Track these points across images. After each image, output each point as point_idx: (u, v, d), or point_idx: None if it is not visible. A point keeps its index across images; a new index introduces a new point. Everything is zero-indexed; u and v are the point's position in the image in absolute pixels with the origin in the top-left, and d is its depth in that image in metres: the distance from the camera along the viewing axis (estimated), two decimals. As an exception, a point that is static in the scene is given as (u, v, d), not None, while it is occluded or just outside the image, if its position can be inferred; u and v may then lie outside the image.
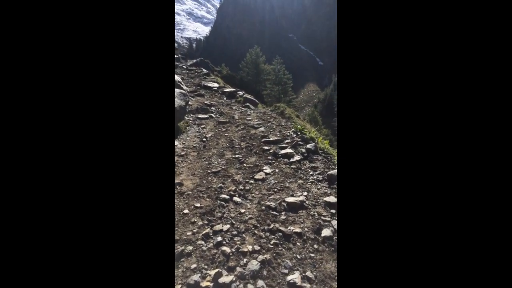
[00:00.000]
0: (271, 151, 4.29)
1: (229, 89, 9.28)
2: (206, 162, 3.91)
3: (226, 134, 5.20)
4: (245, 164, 3.84)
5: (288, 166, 3.78)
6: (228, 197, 2.95)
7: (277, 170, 3.64)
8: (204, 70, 13.20)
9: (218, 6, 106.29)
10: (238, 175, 3.50)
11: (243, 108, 7.45)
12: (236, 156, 4.14)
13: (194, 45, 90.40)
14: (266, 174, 3.51)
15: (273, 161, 3.94)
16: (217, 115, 6.61)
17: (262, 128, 5.57)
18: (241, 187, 3.19)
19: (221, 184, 3.23)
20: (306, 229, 2.47)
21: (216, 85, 9.85)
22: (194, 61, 16.18)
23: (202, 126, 5.84)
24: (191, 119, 6.13)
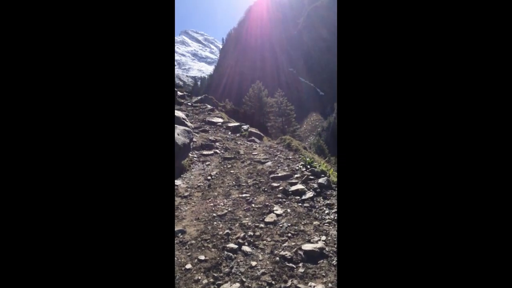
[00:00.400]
0: (281, 188, 3.97)
1: (233, 124, 9.20)
2: (211, 204, 3.58)
3: (232, 171, 4.92)
4: (253, 205, 3.51)
5: (300, 204, 3.44)
6: (236, 246, 2.59)
7: (289, 210, 3.28)
8: (209, 106, 13.35)
9: (221, 47, 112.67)
10: (247, 218, 3.15)
11: (248, 142, 7.25)
12: (244, 195, 3.81)
13: (198, 83, 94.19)
14: (278, 215, 3.16)
15: (284, 200, 3.60)
16: (222, 151, 6.39)
17: (269, 163, 5.29)
18: (250, 232, 2.83)
19: (228, 230, 2.88)
20: (330, 284, 2.07)
21: (220, 120, 9.82)
22: (199, 97, 16.49)
23: (207, 163, 5.59)
24: (195, 156, 5.91)
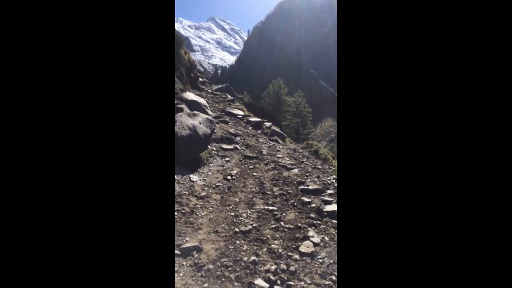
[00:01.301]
0: (313, 205, 3.33)
1: (254, 119, 8.57)
2: (232, 214, 2.98)
3: (254, 173, 4.31)
4: (282, 223, 2.89)
5: (339, 232, 2.80)
6: (267, 285, 1.98)
7: (327, 239, 2.65)
8: (229, 96, 12.73)
9: (246, 39, 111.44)
10: (276, 241, 2.54)
11: (270, 142, 6.61)
12: (270, 208, 3.20)
13: (219, 71, 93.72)
14: (315, 244, 2.53)
15: (319, 222, 2.97)
16: (243, 147, 5.78)
17: (295, 170, 4.65)
18: (282, 265, 2.21)
19: (254, 257, 2.27)
20: None
21: (241, 113, 9.20)
22: (220, 86, 15.93)
23: (226, 158, 4.99)
24: (214, 149, 5.32)
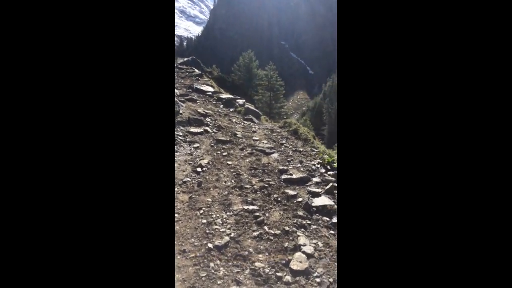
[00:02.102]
0: (300, 199, 2.86)
1: (226, 95, 7.78)
2: (204, 221, 2.40)
3: (228, 162, 3.71)
4: (266, 227, 2.38)
5: (333, 233, 2.36)
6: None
7: (321, 245, 2.20)
8: (196, 71, 11.55)
9: (212, 7, 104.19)
10: (260, 256, 2.03)
11: (245, 122, 5.96)
12: (250, 207, 2.66)
13: (184, 43, 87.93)
14: (308, 256, 2.06)
15: (308, 222, 2.51)
16: (214, 130, 5.09)
17: (275, 155, 4.13)
18: (272, 294, 1.71)
19: (235, 287, 1.74)
20: None
21: (210, 89, 8.32)
22: (185, 59, 14.53)
23: (195, 145, 4.31)
24: (180, 134, 4.57)
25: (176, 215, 2.44)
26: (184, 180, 3.12)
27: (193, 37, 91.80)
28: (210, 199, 2.74)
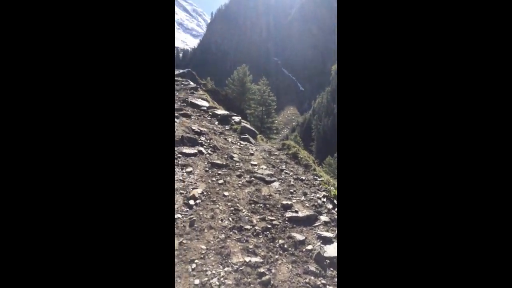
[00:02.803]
0: (310, 247, 2.39)
1: (221, 112, 7.33)
2: (197, 281, 1.88)
3: (225, 193, 3.22)
4: (273, 290, 1.88)
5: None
6: None
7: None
8: (191, 83, 11.12)
9: (209, 22, 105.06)
10: None
11: (241, 142, 5.51)
12: (252, 259, 2.16)
13: (180, 55, 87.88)
14: None
15: (323, 280, 2.03)
16: (209, 151, 4.60)
17: (276, 184, 3.67)
18: None
19: None
20: None
21: (205, 104, 7.86)
22: (181, 71, 14.13)
23: (188, 169, 3.80)
24: (172, 155, 4.07)
25: (162, 270, 1.93)
26: (174, 216, 2.60)
27: (189, 49, 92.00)
28: (204, 246, 2.23)
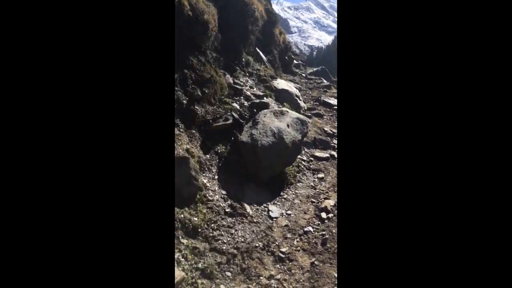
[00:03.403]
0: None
1: (357, 112, 6.61)
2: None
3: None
4: None
5: None
6: None
7: None
8: (325, 81, 10.73)
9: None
10: None
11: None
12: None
13: (314, 52, 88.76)
14: None
15: None
16: (343, 157, 4.17)
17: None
18: None
19: None
20: None
21: (339, 103, 7.35)
22: (314, 69, 14.02)
23: (320, 175, 3.54)
24: (304, 158, 3.92)
25: (291, 291, 1.76)
26: (305, 228, 2.41)
27: (323, 46, 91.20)
28: (336, 273, 1.90)
